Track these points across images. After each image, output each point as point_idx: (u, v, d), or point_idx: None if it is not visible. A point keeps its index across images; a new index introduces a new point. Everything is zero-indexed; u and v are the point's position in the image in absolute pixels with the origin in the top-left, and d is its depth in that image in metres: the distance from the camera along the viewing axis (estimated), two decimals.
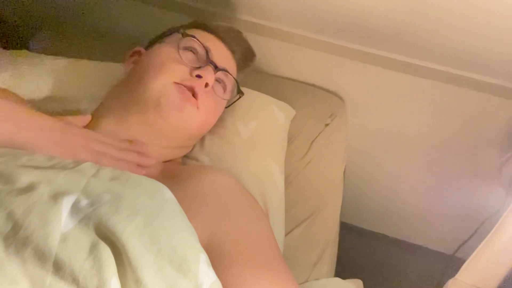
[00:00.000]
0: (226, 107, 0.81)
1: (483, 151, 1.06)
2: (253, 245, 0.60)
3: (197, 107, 0.70)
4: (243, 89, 0.85)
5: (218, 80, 0.76)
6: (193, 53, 0.74)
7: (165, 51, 0.73)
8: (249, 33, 1.03)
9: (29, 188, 0.48)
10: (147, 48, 0.80)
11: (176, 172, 0.68)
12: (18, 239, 0.44)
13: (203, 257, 0.51)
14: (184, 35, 0.75)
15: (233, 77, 0.78)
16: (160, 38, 0.80)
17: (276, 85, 0.99)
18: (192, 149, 0.83)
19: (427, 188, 1.25)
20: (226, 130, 0.83)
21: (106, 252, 0.45)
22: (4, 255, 0.43)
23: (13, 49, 0.90)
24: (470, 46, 0.88)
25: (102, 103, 0.76)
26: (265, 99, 0.91)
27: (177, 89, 0.68)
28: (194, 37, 0.74)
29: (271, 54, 1.08)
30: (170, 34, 0.79)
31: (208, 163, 0.81)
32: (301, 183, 0.88)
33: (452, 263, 1.05)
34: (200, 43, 0.74)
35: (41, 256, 0.44)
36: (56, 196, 0.48)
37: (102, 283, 0.43)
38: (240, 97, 0.82)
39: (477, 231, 1.17)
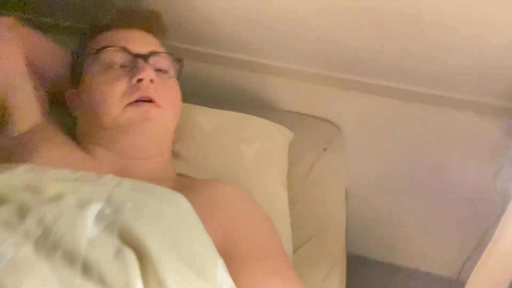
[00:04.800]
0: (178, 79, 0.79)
1: (478, 167, 1.08)
2: (265, 252, 0.63)
3: (160, 107, 0.71)
4: (242, 115, 0.91)
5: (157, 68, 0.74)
6: (116, 61, 0.72)
7: (96, 80, 0.71)
8: (245, 71, 1.10)
9: (57, 198, 0.52)
10: (74, 84, 0.77)
11: (189, 185, 0.71)
12: (49, 242, 0.47)
13: (221, 263, 0.54)
14: (95, 52, 0.72)
15: (163, 52, 0.76)
16: (79, 68, 0.75)
17: (273, 115, 1.02)
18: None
19: (425, 212, 1.26)
20: (230, 150, 0.86)
21: (130, 256, 0.48)
22: (35, 257, 0.46)
23: None
24: (465, 70, 0.92)
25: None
26: (264, 123, 0.94)
27: (134, 108, 0.69)
28: (104, 47, 0.72)
29: (267, 90, 1.13)
30: (84, 59, 0.74)
31: None
32: (305, 203, 0.90)
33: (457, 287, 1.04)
34: (113, 48, 0.72)
35: (69, 258, 0.46)
36: (82, 205, 0.51)
37: (128, 284, 0.46)
38: (182, 64, 0.79)
39: (476, 249, 1.18)
